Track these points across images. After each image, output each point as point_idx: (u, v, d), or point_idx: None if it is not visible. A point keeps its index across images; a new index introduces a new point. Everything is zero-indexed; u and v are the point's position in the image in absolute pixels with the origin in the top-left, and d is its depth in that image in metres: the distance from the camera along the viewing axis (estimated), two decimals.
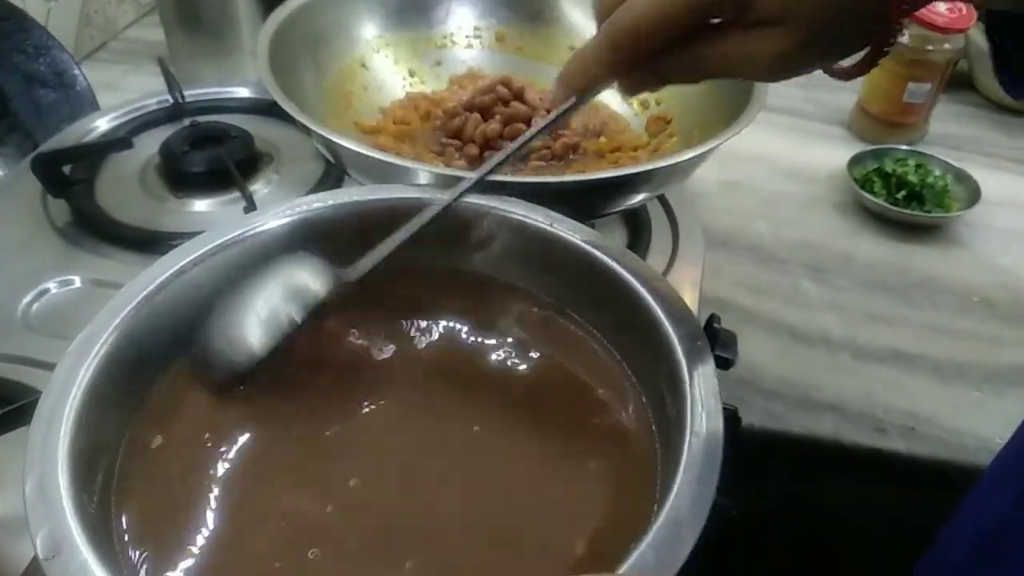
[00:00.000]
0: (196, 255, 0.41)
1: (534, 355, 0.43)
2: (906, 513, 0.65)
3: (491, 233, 0.46)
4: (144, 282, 0.39)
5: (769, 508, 0.67)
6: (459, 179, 0.49)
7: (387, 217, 0.43)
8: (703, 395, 0.35)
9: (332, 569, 0.34)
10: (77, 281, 0.60)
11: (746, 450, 0.63)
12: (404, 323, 0.45)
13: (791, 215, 0.86)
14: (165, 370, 0.40)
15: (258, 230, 0.43)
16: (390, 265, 0.41)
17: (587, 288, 0.44)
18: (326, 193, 0.46)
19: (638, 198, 0.54)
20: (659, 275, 0.41)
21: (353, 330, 0.44)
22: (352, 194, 0.46)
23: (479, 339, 0.44)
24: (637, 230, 0.69)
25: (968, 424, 0.64)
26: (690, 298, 0.64)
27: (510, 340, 0.44)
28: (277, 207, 0.44)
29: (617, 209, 0.54)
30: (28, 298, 0.58)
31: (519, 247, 0.46)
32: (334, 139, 0.49)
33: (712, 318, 0.63)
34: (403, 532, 0.35)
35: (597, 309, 0.44)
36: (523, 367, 0.43)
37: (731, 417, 0.59)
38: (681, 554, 0.29)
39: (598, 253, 0.43)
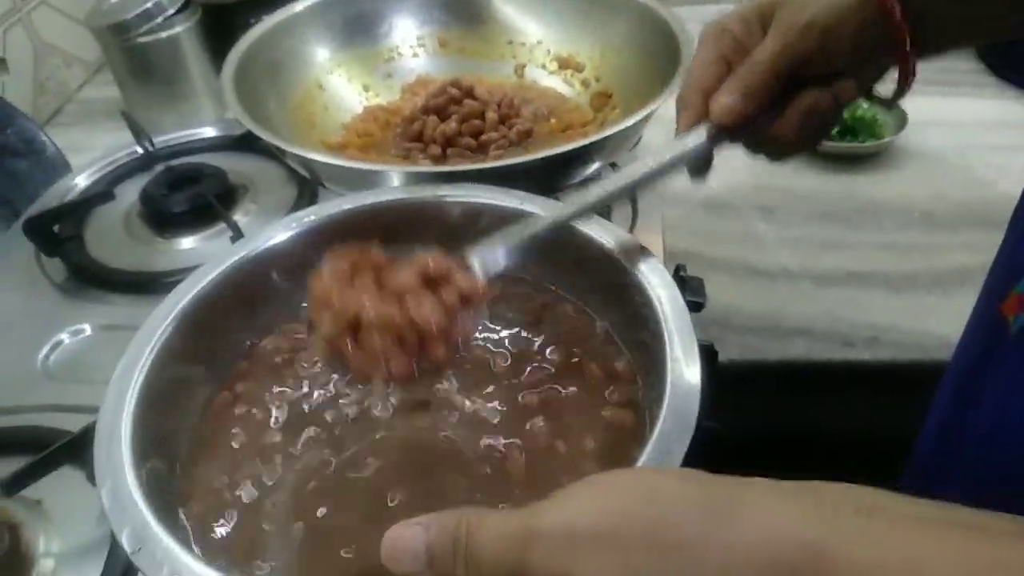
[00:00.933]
0: (210, 277, 0.46)
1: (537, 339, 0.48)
2: (880, 416, 0.70)
3: (470, 222, 0.49)
4: (168, 308, 0.44)
5: (754, 431, 0.73)
6: (427, 175, 0.54)
7: (368, 217, 0.48)
8: (677, 327, 0.41)
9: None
10: (88, 329, 0.64)
11: (728, 381, 0.68)
12: None
13: (738, 164, 0.91)
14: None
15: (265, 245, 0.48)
16: None
17: (568, 262, 0.48)
18: (316, 207, 0.51)
19: (594, 167, 0.58)
20: (628, 234, 0.46)
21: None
22: (339, 204, 0.50)
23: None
24: None
25: (924, 326, 0.70)
26: (656, 255, 0.69)
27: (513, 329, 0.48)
28: (273, 223, 0.50)
29: (578, 179, 0.59)
30: (44, 351, 0.62)
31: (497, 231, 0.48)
32: (311, 156, 0.53)
33: (679, 267, 0.68)
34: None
35: (581, 280, 0.48)
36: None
37: (709, 353, 0.64)
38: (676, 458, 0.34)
39: (586, 231, 0.47)
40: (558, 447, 0.42)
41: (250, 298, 0.48)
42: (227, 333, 0.47)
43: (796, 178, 0.88)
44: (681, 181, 0.87)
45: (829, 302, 0.73)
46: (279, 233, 0.49)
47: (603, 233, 0.46)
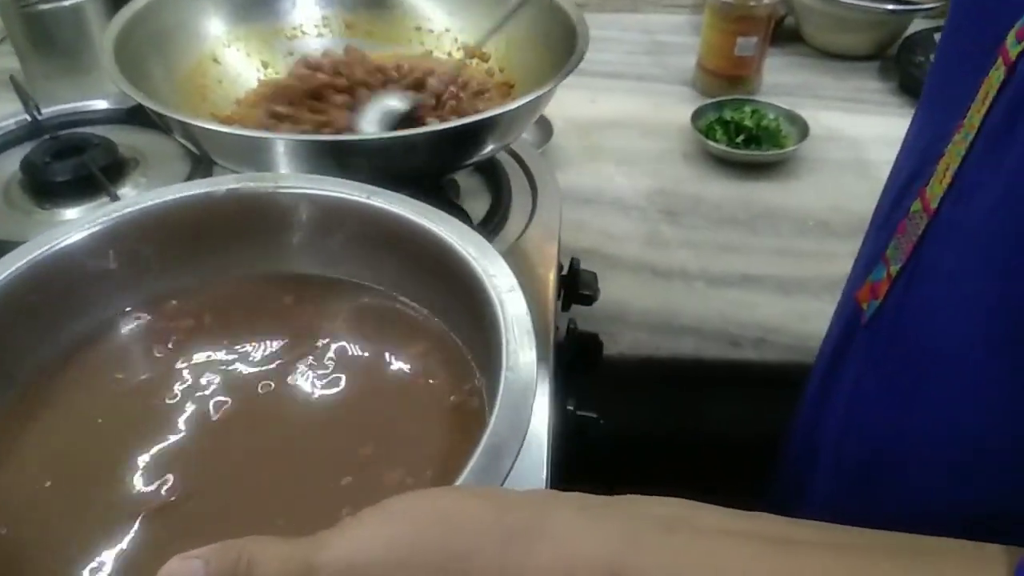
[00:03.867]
0: (6, 272, 0.40)
1: (368, 349, 0.44)
2: (764, 414, 0.71)
3: (311, 218, 0.46)
4: None
5: (640, 425, 0.73)
6: (319, 143, 0.53)
7: (203, 212, 0.45)
8: (517, 335, 0.37)
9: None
10: None
11: (619, 377, 0.69)
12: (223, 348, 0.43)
13: (647, 168, 0.92)
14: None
15: (67, 242, 0.42)
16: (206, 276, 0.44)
17: (412, 260, 0.44)
18: (131, 199, 0.45)
19: (487, 148, 0.58)
20: (478, 235, 0.42)
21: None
22: (165, 193, 0.45)
23: (298, 360, 0.43)
24: (498, 193, 0.73)
25: (812, 329, 0.71)
26: (551, 248, 0.69)
27: (341, 343, 0.44)
28: (85, 217, 0.44)
29: (472, 160, 0.58)
30: None
31: (340, 229, 0.45)
32: (191, 122, 0.52)
33: (573, 261, 0.69)
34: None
35: (423, 282, 0.44)
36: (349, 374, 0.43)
37: (594, 343, 0.65)
38: (502, 471, 0.31)
39: (419, 220, 0.43)
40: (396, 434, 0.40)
41: (46, 305, 0.42)
42: (22, 342, 0.41)
43: (702, 184, 0.89)
44: (592, 182, 0.89)
45: (721, 303, 0.74)
46: (86, 227, 0.42)
47: (450, 232, 0.42)
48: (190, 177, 0.72)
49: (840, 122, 0.99)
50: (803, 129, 0.92)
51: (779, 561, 0.25)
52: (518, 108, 0.57)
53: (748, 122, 0.91)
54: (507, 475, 0.31)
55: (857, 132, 0.98)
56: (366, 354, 0.44)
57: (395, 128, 0.62)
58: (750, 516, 0.28)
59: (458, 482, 0.31)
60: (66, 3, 0.91)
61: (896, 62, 1.08)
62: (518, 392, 0.34)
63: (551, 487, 0.48)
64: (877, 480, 0.42)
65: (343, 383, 0.42)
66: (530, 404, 0.34)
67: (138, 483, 0.37)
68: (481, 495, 0.27)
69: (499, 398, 0.34)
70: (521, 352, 0.36)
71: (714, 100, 0.97)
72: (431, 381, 0.42)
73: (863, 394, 0.44)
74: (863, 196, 0.90)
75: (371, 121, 0.62)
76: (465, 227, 0.42)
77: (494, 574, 0.25)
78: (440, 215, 0.43)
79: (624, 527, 0.26)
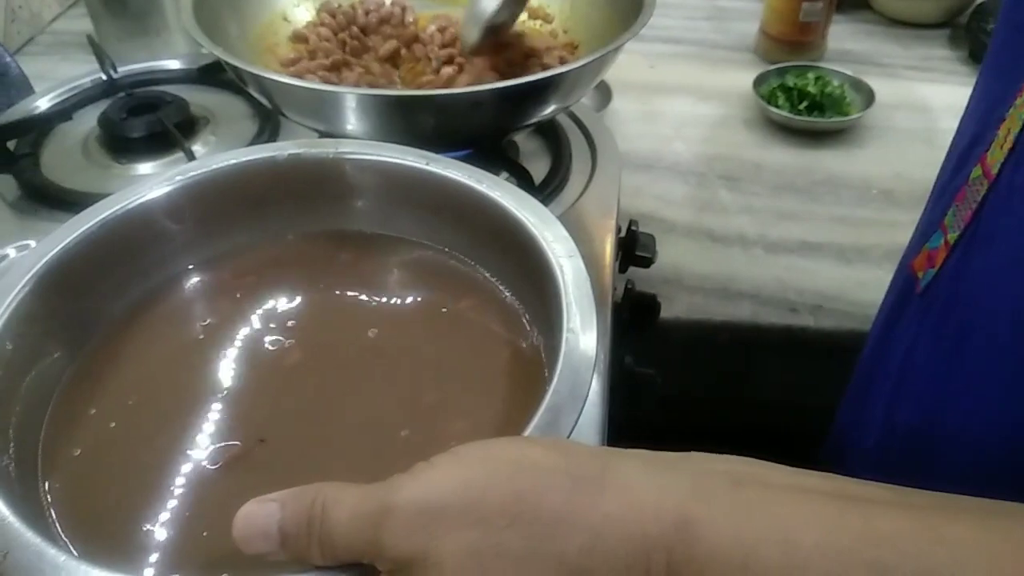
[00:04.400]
0: (82, 228, 0.42)
1: (425, 301, 0.45)
2: (817, 381, 0.71)
3: (370, 183, 0.47)
4: (31, 261, 0.40)
5: (694, 386, 0.74)
6: (387, 98, 0.54)
7: (269, 175, 0.46)
8: (576, 299, 0.37)
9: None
10: (34, 244, 0.63)
11: (674, 339, 0.69)
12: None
13: (706, 134, 0.92)
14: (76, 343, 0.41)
15: (140, 201, 0.44)
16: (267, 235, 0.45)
17: (468, 224, 0.45)
18: (201, 160, 0.46)
19: (551, 107, 0.58)
20: (535, 200, 0.42)
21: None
22: (230, 156, 0.46)
23: (371, 299, 0.45)
24: (559, 155, 0.74)
25: (871, 297, 0.70)
26: (610, 211, 0.70)
27: (399, 295, 0.45)
28: (155, 178, 0.45)
29: (534, 119, 0.59)
30: None
31: (398, 194, 0.46)
32: (265, 75, 0.53)
33: (631, 223, 0.69)
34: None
35: (480, 243, 0.45)
36: (417, 316, 0.44)
37: (651, 304, 0.65)
38: (563, 430, 0.32)
39: (476, 186, 0.43)
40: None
41: (119, 261, 0.43)
42: (93, 297, 0.43)
43: (763, 150, 0.89)
44: (650, 147, 0.89)
45: (779, 269, 0.74)
46: (158, 188, 0.44)
47: (512, 200, 0.43)
48: (258, 134, 0.73)
49: (907, 90, 0.97)
50: (868, 96, 0.90)
51: (851, 518, 0.24)
52: (582, 67, 0.57)
53: (811, 89, 0.90)
54: (569, 433, 0.32)
55: (924, 101, 0.96)
56: (423, 306, 0.45)
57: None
58: (820, 475, 0.27)
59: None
60: None
61: (966, 30, 1.05)
62: (579, 354, 0.35)
63: (607, 441, 0.49)
64: (928, 448, 0.42)
65: (402, 333, 0.43)
66: (591, 366, 0.34)
67: (208, 432, 0.38)
68: (549, 445, 0.28)
69: (560, 359, 0.34)
70: (581, 315, 0.36)
71: (776, 66, 0.96)
72: (487, 333, 0.43)
73: (915, 362, 0.43)
74: (929, 165, 0.88)
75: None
76: (523, 193, 0.43)
77: (564, 516, 0.25)
78: (497, 181, 0.44)
79: (692, 479, 0.26)
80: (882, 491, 0.27)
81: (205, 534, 0.34)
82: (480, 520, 0.25)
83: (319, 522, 0.26)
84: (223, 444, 0.37)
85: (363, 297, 0.45)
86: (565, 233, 0.40)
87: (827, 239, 0.77)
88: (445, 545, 0.25)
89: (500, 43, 0.66)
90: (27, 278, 0.39)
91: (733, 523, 0.24)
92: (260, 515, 0.27)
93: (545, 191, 0.67)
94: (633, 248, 0.67)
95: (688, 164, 0.87)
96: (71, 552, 0.32)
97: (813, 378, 0.73)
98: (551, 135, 0.73)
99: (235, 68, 0.55)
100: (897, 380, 0.44)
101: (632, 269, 0.69)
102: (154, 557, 0.33)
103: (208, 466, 0.36)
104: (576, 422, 0.32)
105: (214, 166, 0.45)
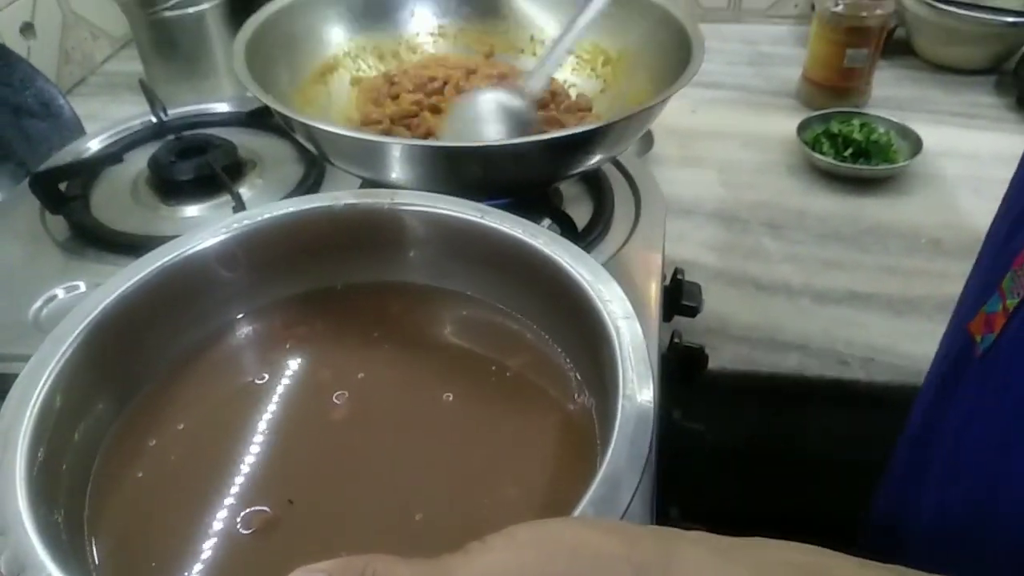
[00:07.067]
0: (138, 276, 0.41)
1: (475, 357, 0.44)
2: (868, 437, 0.69)
3: (423, 235, 0.46)
4: (88, 308, 0.39)
5: (739, 439, 0.72)
6: (434, 149, 0.54)
7: (324, 224, 0.46)
8: (634, 363, 0.36)
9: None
10: (82, 286, 0.64)
11: (720, 390, 0.68)
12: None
13: (749, 180, 0.91)
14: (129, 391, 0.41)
15: (196, 248, 0.44)
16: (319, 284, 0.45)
17: (521, 279, 0.44)
18: (258, 209, 0.46)
19: (598, 157, 0.58)
20: (590, 258, 0.41)
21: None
22: (287, 205, 0.46)
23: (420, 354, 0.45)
24: (601, 201, 0.73)
25: (923, 350, 0.68)
26: (654, 259, 0.69)
27: (449, 351, 0.45)
28: (211, 225, 0.45)
29: (580, 169, 0.59)
30: (38, 304, 0.62)
31: (451, 246, 0.46)
32: (314, 125, 0.54)
33: (677, 272, 0.68)
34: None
35: (532, 299, 0.44)
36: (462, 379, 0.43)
37: (699, 355, 0.64)
38: (621, 504, 0.30)
39: (530, 241, 0.43)
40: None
41: (172, 310, 0.43)
42: (143, 347, 0.42)
43: (807, 197, 0.88)
44: (692, 193, 0.88)
45: (827, 320, 0.72)
46: (214, 235, 0.44)
47: (568, 257, 0.42)
48: (303, 179, 0.74)
49: (953, 138, 0.96)
50: (915, 144, 0.89)
51: None
52: (631, 117, 0.57)
53: (857, 135, 0.89)
54: (627, 508, 0.30)
55: (971, 148, 0.94)
56: (474, 363, 0.44)
57: (514, 129, 0.63)
58: (887, 568, 0.26)
59: (576, 511, 0.30)
60: (190, 10, 0.96)
61: (1014, 76, 1.04)
62: (636, 423, 0.33)
63: (656, 495, 0.48)
64: (984, 527, 0.40)
65: (452, 391, 0.42)
66: (648, 437, 0.33)
67: (246, 493, 0.37)
68: (607, 529, 0.26)
69: (616, 427, 0.33)
70: (639, 382, 0.35)
71: (820, 112, 0.95)
72: (537, 393, 0.42)
73: (973, 434, 0.42)
74: (977, 215, 0.87)
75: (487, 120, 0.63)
76: (578, 249, 0.42)
77: None
78: (553, 236, 0.43)
79: (759, 571, 0.25)
80: None
81: None
82: None
83: None
84: (256, 509, 0.37)
85: (413, 352, 0.44)
86: (621, 293, 0.39)
87: (876, 289, 0.75)
88: None
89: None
90: (83, 325, 0.39)
91: None
92: None
93: (588, 238, 0.66)
94: (679, 297, 0.66)
95: (731, 210, 0.86)
96: None
97: (863, 431, 0.71)
98: (593, 180, 0.73)
99: (284, 116, 0.55)
100: (953, 451, 0.43)
101: (675, 318, 0.68)
102: None
103: (242, 531, 0.36)
104: (634, 496, 0.31)
105: (270, 214, 0.45)
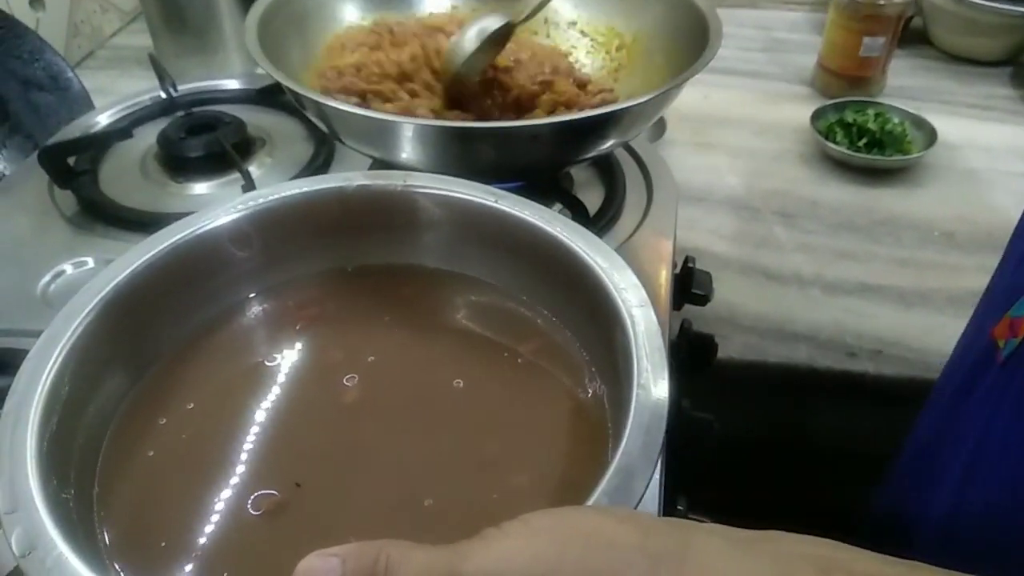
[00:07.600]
0: (151, 253, 0.41)
1: (487, 342, 0.44)
2: (875, 429, 0.69)
3: (436, 218, 0.46)
4: (100, 285, 0.39)
5: (747, 429, 0.72)
6: (447, 129, 0.53)
7: (337, 205, 0.45)
8: (648, 352, 0.35)
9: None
10: (91, 262, 0.64)
11: (728, 379, 0.68)
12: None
13: (762, 168, 0.90)
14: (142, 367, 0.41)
15: (208, 227, 0.43)
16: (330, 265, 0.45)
17: (534, 264, 0.43)
18: (271, 188, 0.46)
19: (611, 141, 0.58)
20: (605, 245, 0.41)
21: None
22: (300, 185, 0.46)
23: (432, 338, 0.44)
24: (613, 187, 0.73)
25: (933, 344, 0.68)
26: (665, 246, 0.68)
27: (461, 335, 0.44)
28: (223, 204, 0.44)
29: (593, 153, 0.58)
30: (46, 279, 0.62)
31: (464, 229, 0.45)
32: (323, 101, 0.53)
33: (687, 259, 0.68)
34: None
35: (545, 285, 0.44)
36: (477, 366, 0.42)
37: (709, 344, 0.64)
38: (635, 494, 0.30)
39: (545, 227, 0.42)
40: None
41: (183, 288, 0.43)
42: (154, 324, 0.42)
43: (820, 187, 0.87)
44: (704, 180, 0.87)
45: (837, 311, 0.72)
46: (227, 214, 0.43)
47: (583, 243, 0.41)
48: (313, 157, 0.73)
49: (968, 129, 0.95)
50: (930, 135, 0.88)
51: None
52: (646, 102, 0.56)
53: (871, 125, 0.88)
54: (640, 498, 0.30)
55: (986, 141, 0.93)
56: (486, 347, 0.44)
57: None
58: (907, 564, 0.26)
59: (590, 501, 0.30)
60: None
61: None
62: (650, 412, 0.33)
63: (664, 486, 0.48)
64: (1003, 528, 0.40)
65: (463, 375, 0.41)
66: (662, 426, 0.33)
67: (257, 474, 0.37)
68: (621, 518, 0.26)
69: (631, 417, 0.33)
70: (654, 371, 0.35)
71: (835, 101, 0.94)
72: (549, 380, 0.41)
73: (994, 437, 0.41)
74: (992, 208, 0.87)
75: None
76: (592, 235, 0.41)
77: None
78: (567, 223, 0.42)
79: (776, 564, 0.25)
80: None
81: None
82: None
83: None
84: (264, 492, 0.36)
85: (424, 336, 0.44)
86: (636, 281, 0.38)
87: (887, 281, 0.75)
88: None
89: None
90: (95, 302, 0.38)
91: None
92: (321, 569, 0.25)
93: (599, 223, 0.66)
94: (689, 285, 0.66)
95: (742, 198, 0.86)
96: None
97: (872, 424, 0.71)
98: (605, 166, 0.72)
99: (295, 93, 0.55)
100: (972, 453, 0.42)
101: (685, 306, 0.68)
102: None
103: (252, 511, 0.36)
104: (647, 486, 0.30)
105: (283, 194, 0.45)
